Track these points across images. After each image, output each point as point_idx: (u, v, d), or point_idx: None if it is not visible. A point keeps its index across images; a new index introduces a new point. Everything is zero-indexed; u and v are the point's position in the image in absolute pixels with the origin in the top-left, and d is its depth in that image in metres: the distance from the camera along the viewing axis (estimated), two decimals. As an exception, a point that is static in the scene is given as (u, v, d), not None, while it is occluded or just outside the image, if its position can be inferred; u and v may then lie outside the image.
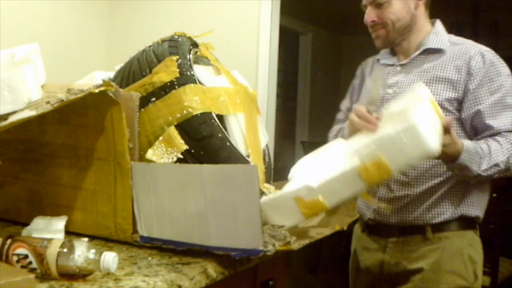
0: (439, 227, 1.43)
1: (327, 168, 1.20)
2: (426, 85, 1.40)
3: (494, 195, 2.50)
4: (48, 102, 0.97)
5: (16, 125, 0.99)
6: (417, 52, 1.48)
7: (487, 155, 1.31)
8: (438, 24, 1.52)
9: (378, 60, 1.60)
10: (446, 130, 1.19)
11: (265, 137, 1.42)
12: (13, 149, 1.22)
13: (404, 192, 1.43)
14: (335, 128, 1.67)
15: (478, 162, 1.30)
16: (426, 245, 1.43)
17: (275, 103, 2.90)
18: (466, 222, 1.44)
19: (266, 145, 1.44)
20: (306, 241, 1.07)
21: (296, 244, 1.04)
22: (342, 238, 3.40)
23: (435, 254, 1.42)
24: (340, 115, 1.74)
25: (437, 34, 1.49)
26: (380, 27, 1.47)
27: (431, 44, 1.47)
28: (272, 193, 1.20)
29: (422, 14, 1.49)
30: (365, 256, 1.56)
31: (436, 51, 1.46)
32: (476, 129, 1.40)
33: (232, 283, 1.07)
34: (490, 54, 1.42)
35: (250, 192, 0.94)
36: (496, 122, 1.37)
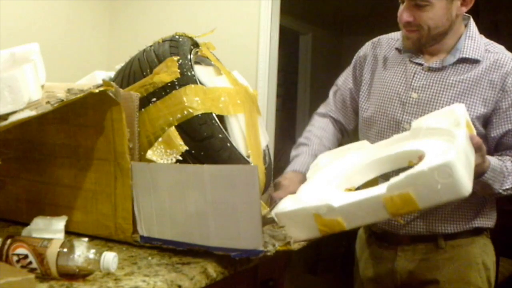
0: (451, 234, 1.38)
1: (349, 179, 1.16)
2: (457, 97, 1.33)
3: (494, 195, 2.50)
4: (48, 102, 0.97)
5: (16, 125, 0.99)
6: (452, 60, 1.36)
7: (511, 174, 1.27)
8: (472, 25, 1.41)
9: (398, 50, 1.46)
10: (477, 149, 1.11)
11: (265, 137, 1.42)
12: (13, 149, 1.22)
13: None
14: (318, 124, 1.57)
15: (501, 181, 1.26)
16: (439, 254, 1.38)
17: (275, 103, 2.90)
18: (478, 228, 1.41)
19: (267, 145, 1.44)
20: (306, 241, 1.07)
21: (296, 244, 1.04)
22: (342, 238, 3.40)
23: (450, 265, 1.37)
24: (332, 95, 1.61)
25: (473, 39, 1.37)
26: (414, 29, 1.34)
27: (468, 53, 1.35)
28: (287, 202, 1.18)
29: (460, 18, 1.38)
30: (374, 265, 1.49)
31: (472, 61, 1.35)
32: (502, 145, 1.34)
33: (232, 283, 1.07)
34: None
35: (251, 192, 0.94)
36: None
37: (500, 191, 1.28)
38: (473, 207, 1.38)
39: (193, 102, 1.12)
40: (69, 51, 2.93)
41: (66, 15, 2.93)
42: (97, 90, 0.99)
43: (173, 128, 1.11)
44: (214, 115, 1.15)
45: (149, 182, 1.04)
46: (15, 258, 0.86)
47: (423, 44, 1.37)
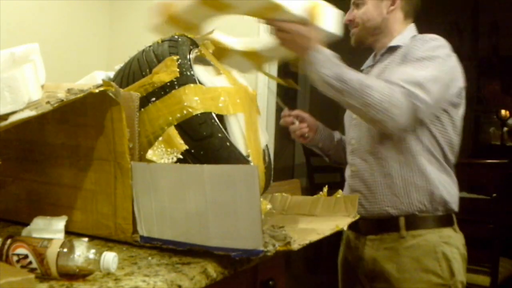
0: (414, 224, 1.46)
1: None
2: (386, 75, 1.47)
3: (494, 195, 2.51)
4: (48, 102, 0.97)
5: (16, 125, 0.99)
6: (382, 51, 1.58)
7: (346, 72, 1.38)
8: (409, 27, 1.60)
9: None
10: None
11: (265, 137, 1.42)
12: (13, 149, 1.22)
13: (368, 179, 1.52)
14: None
15: (329, 67, 1.38)
16: (400, 243, 1.46)
17: (275, 103, 2.90)
18: (442, 219, 1.47)
19: (266, 145, 1.44)
20: (306, 241, 1.07)
21: (296, 244, 1.04)
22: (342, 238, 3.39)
23: (409, 253, 1.45)
24: None
25: (402, 34, 1.57)
26: (354, 26, 1.60)
27: (394, 42, 1.56)
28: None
29: (397, 20, 1.58)
30: (348, 252, 1.63)
31: (397, 48, 1.54)
32: None
33: (232, 283, 1.07)
34: (428, 36, 1.49)
35: (250, 192, 0.94)
36: (393, 75, 1.42)
37: (322, 74, 1.39)
38: (423, 187, 1.46)
39: (192, 101, 1.12)
40: (69, 51, 2.93)
41: (66, 15, 2.93)
42: (97, 90, 0.99)
43: (172, 127, 1.11)
44: (213, 114, 1.15)
45: (149, 182, 1.04)
46: (15, 258, 0.86)
47: (362, 38, 1.61)
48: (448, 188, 1.49)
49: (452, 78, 1.45)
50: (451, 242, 1.47)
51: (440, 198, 1.46)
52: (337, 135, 1.82)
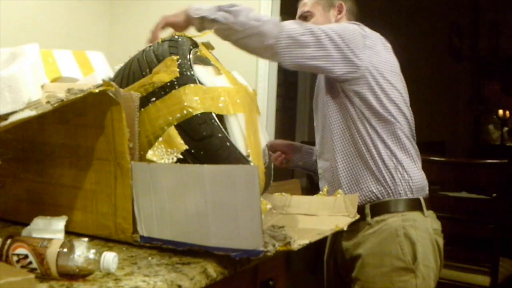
0: (378, 210, 1.48)
1: None
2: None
3: (494, 195, 2.50)
4: (48, 102, 0.97)
5: (16, 125, 0.99)
6: None
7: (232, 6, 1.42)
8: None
9: None
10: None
11: (265, 137, 1.42)
12: (13, 149, 1.22)
13: (330, 177, 1.56)
14: None
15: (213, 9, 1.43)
16: (366, 229, 1.49)
17: (275, 103, 2.90)
18: (406, 203, 1.48)
19: (266, 145, 1.44)
20: (306, 241, 1.07)
21: (296, 244, 1.04)
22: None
23: (374, 238, 1.47)
24: None
25: None
26: None
27: None
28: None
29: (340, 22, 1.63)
30: (328, 248, 1.71)
31: None
32: None
33: (232, 283, 1.07)
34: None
35: (251, 192, 0.94)
36: None
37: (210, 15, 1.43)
38: (378, 173, 1.48)
39: (192, 101, 1.12)
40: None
41: (66, 15, 2.93)
42: (97, 90, 0.99)
43: (172, 127, 1.11)
44: (213, 114, 1.15)
45: (149, 182, 1.04)
46: (15, 258, 0.86)
47: None
48: (407, 170, 1.49)
49: (347, 37, 1.47)
50: (418, 226, 1.46)
51: (400, 181, 1.47)
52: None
